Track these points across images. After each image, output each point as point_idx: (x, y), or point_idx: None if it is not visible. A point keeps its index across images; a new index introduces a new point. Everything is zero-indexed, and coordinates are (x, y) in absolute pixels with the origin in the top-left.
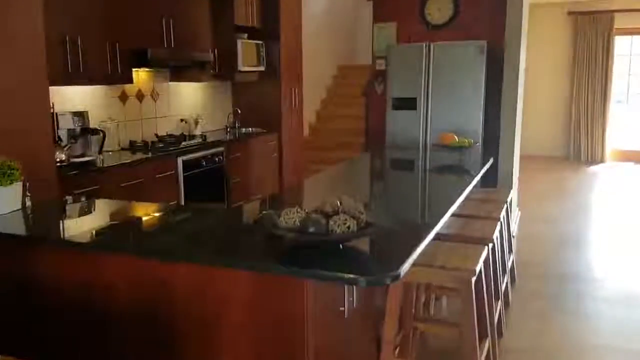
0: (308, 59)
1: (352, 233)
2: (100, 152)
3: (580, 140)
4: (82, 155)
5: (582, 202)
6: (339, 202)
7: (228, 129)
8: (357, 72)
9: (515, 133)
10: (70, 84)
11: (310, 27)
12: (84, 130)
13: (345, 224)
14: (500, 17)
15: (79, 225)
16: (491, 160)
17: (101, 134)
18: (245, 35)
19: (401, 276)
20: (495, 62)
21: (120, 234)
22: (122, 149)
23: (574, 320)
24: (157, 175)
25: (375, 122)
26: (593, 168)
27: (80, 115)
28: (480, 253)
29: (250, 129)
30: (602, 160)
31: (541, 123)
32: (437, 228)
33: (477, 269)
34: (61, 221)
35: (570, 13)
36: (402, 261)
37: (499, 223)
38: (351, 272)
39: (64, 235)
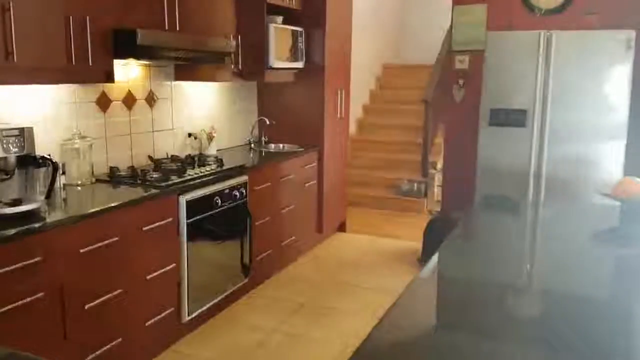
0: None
1: None
2: (48, 195)
3: None
4: (16, 203)
5: None
6: None
7: (252, 146)
8: (409, 72)
9: None
10: None
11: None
12: (24, 160)
13: None
14: None
15: None
16: None
17: (50, 166)
18: (280, 19)
19: None
20: None
21: None
22: (98, 180)
23: None
24: (146, 227)
25: (454, 141)
26: None
27: (20, 134)
28: None
29: (281, 145)
30: None
31: None
32: None
33: None
34: None
35: None
36: None
37: None
38: None
39: None
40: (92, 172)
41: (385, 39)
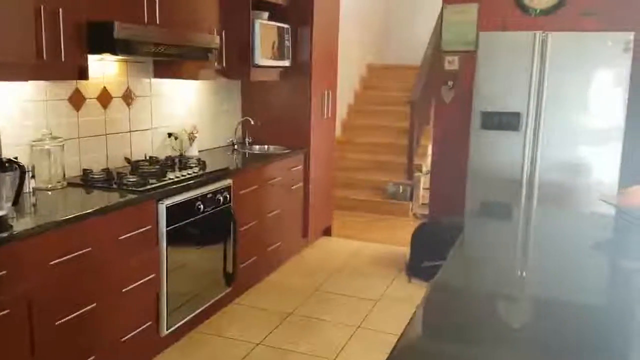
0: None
1: None
2: (16, 201)
3: None
4: None
5: None
6: None
7: (235, 147)
8: (393, 72)
9: None
10: None
11: None
12: None
13: None
14: None
15: None
16: None
17: (17, 170)
18: (266, 15)
19: None
20: None
21: None
22: (70, 184)
23: None
24: (122, 236)
25: (443, 143)
26: None
27: None
28: None
29: (266, 146)
30: None
31: None
32: None
33: None
34: None
35: None
36: None
37: None
38: None
39: None
40: (64, 176)
41: (369, 39)
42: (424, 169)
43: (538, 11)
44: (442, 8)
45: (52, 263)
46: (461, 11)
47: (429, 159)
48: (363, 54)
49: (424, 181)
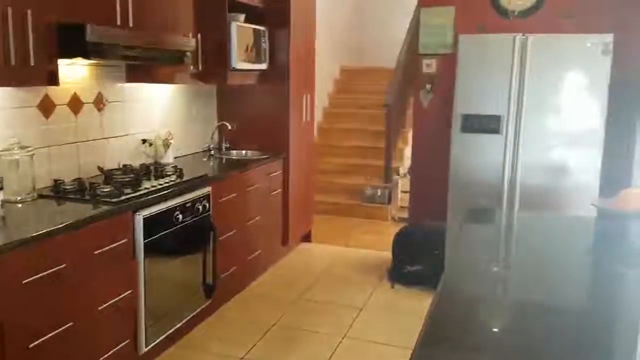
0: None
1: None
2: None
3: None
4: None
5: None
6: None
7: (212, 153)
8: (367, 75)
9: None
10: None
11: None
12: None
13: None
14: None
15: None
16: None
17: None
18: (242, 17)
19: None
20: (627, 67)
21: None
22: (40, 195)
23: None
24: (97, 251)
25: (422, 146)
26: None
27: None
28: None
29: (244, 152)
30: None
31: None
32: None
33: None
34: None
35: None
36: None
37: None
38: None
39: None
40: (34, 187)
41: (341, 41)
42: (402, 172)
43: (516, 12)
44: (419, 11)
45: (24, 282)
46: (438, 14)
47: (405, 162)
48: (336, 57)
49: (402, 184)
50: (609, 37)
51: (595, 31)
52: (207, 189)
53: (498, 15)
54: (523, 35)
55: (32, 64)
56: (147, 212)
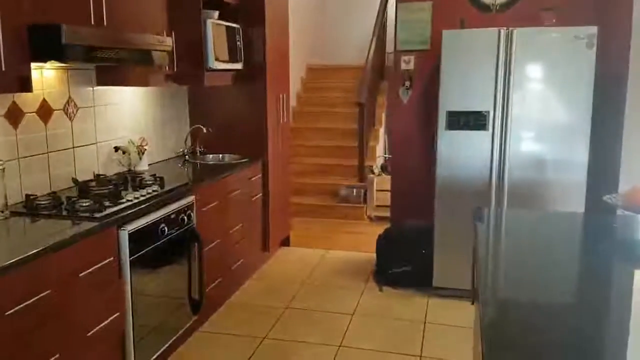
0: None
1: None
2: None
3: None
4: None
5: None
6: None
7: (187, 158)
8: (333, 74)
9: None
10: None
11: None
12: None
13: None
14: None
15: None
16: None
17: None
18: (216, 14)
19: None
20: (611, 61)
21: None
22: (13, 213)
23: None
24: (83, 273)
25: (402, 144)
26: None
27: None
28: None
29: (220, 156)
30: None
31: None
32: None
33: None
34: None
35: None
36: None
37: None
38: None
39: None
40: (6, 204)
41: (307, 39)
42: (376, 171)
43: (498, 6)
44: (396, 6)
45: (7, 313)
46: (415, 9)
47: (378, 161)
48: (302, 55)
49: (377, 183)
50: (593, 29)
51: (577, 24)
52: (190, 198)
53: (477, 9)
54: (507, 29)
55: (3, 69)
56: (131, 226)
